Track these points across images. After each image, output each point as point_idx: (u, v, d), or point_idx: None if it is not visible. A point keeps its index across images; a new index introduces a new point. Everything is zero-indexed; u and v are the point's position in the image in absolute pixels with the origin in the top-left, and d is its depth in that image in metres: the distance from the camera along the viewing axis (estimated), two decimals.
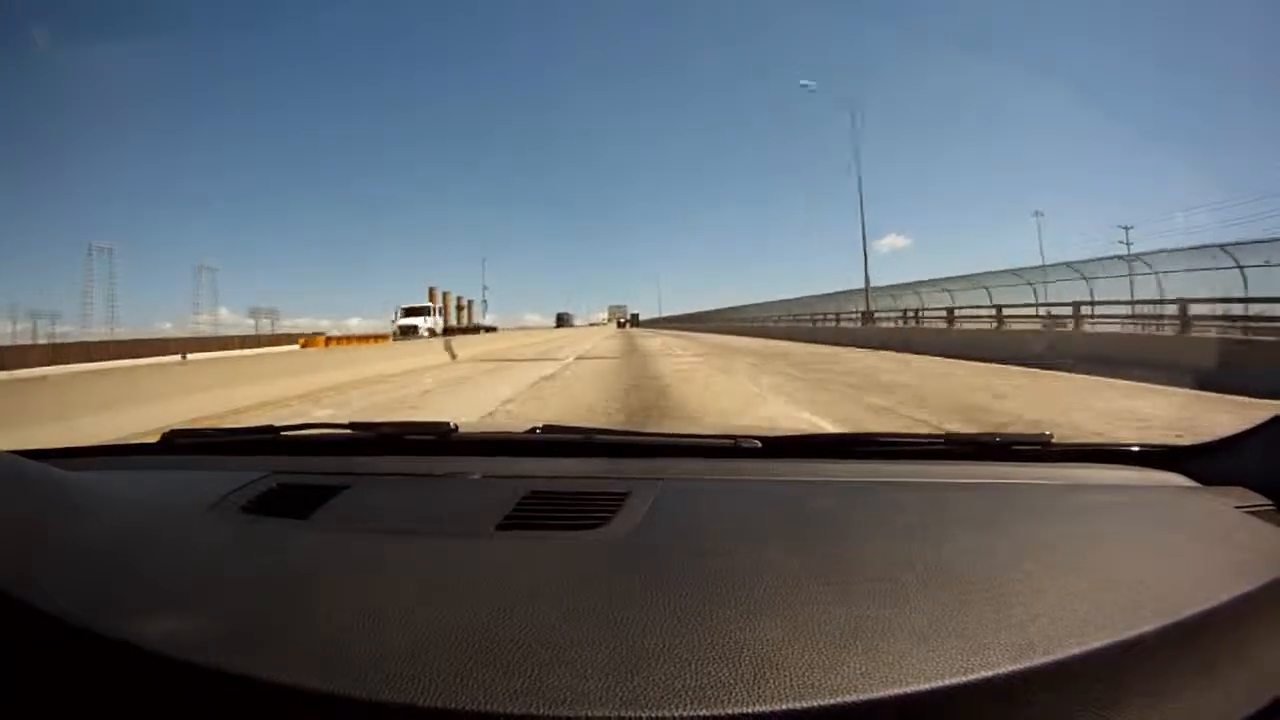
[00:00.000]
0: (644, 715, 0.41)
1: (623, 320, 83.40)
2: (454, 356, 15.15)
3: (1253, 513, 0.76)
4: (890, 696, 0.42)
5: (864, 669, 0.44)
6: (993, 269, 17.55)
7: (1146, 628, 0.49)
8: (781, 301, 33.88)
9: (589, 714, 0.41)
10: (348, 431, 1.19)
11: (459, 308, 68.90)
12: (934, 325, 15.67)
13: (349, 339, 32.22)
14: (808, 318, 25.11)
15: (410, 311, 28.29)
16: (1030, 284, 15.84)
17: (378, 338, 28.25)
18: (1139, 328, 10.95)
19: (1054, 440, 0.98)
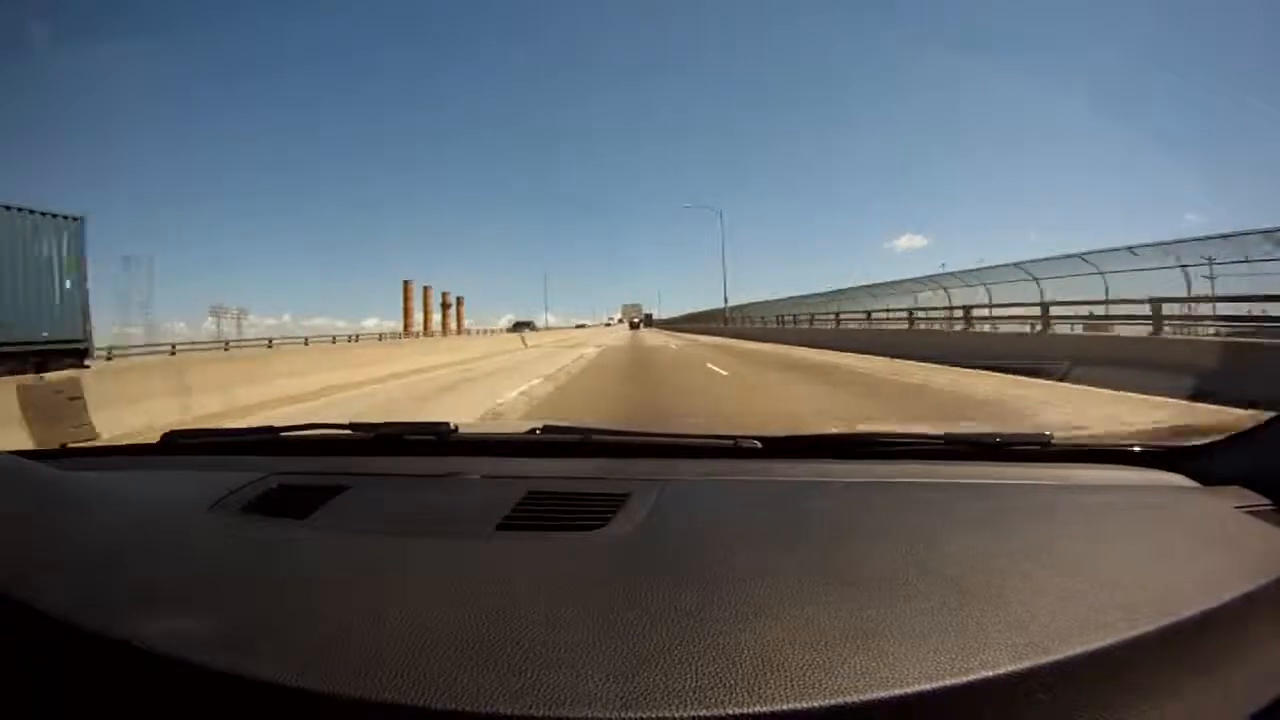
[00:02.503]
0: (644, 716, 0.41)
1: (636, 321, 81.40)
2: None
3: (1253, 513, 0.76)
4: (890, 697, 0.42)
5: (864, 669, 0.44)
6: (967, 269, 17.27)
7: (1146, 628, 0.49)
8: (780, 301, 32.97)
9: (589, 714, 0.41)
10: (347, 432, 1.19)
11: (444, 305, 61.85)
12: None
13: None
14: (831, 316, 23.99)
15: None
16: (985, 285, 15.78)
17: None
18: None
19: (1054, 440, 0.98)
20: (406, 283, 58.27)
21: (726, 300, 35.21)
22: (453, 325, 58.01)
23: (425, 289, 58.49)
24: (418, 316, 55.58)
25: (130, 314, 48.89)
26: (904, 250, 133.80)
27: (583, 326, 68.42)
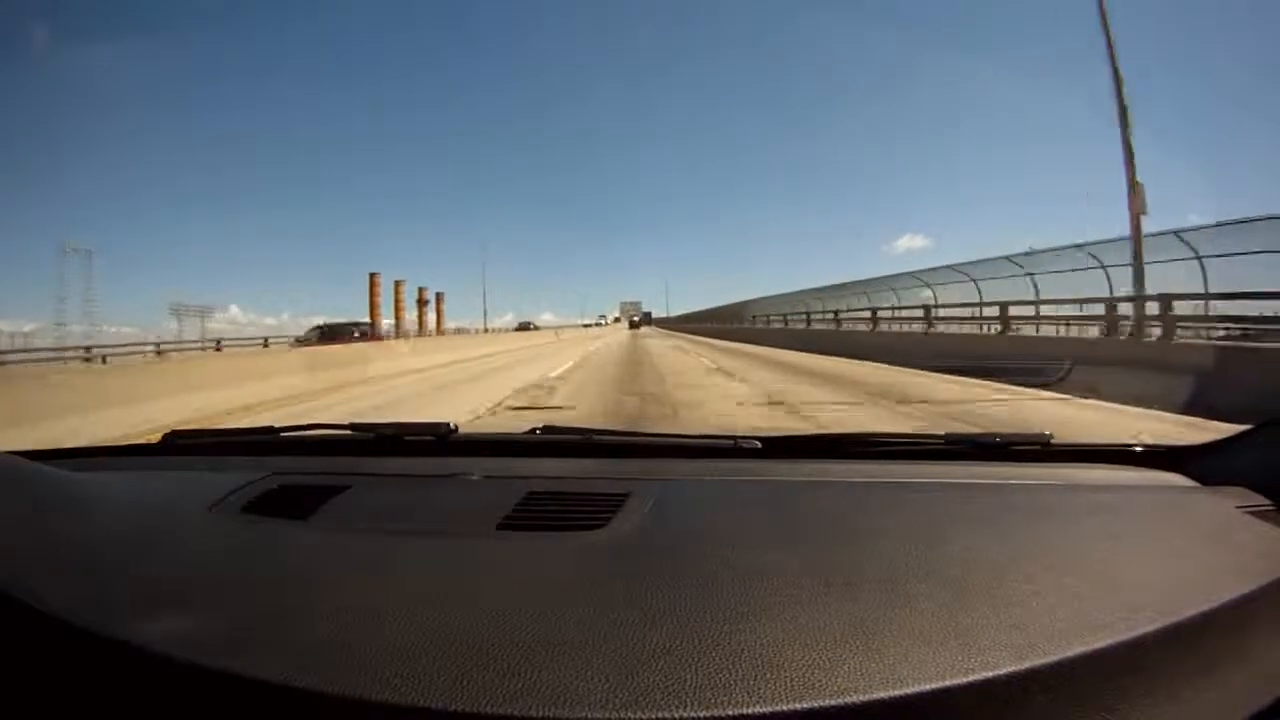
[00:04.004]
0: (644, 716, 0.41)
1: (636, 319, 73.95)
2: None
3: (1253, 513, 0.76)
4: (890, 697, 0.42)
5: (864, 669, 0.44)
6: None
7: (1146, 628, 0.49)
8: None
9: (589, 715, 0.41)
10: (347, 432, 1.19)
11: (420, 301, 52.41)
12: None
13: None
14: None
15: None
16: (1031, 275, 15.14)
17: None
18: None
19: (1054, 440, 0.98)
20: (373, 275, 49.27)
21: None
22: (432, 325, 50.40)
23: (396, 284, 50.83)
24: (411, 316, 49.41)
25: (68, 312, 43.37)
26: (904, 251, 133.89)
27: (522, 329, 41.66)
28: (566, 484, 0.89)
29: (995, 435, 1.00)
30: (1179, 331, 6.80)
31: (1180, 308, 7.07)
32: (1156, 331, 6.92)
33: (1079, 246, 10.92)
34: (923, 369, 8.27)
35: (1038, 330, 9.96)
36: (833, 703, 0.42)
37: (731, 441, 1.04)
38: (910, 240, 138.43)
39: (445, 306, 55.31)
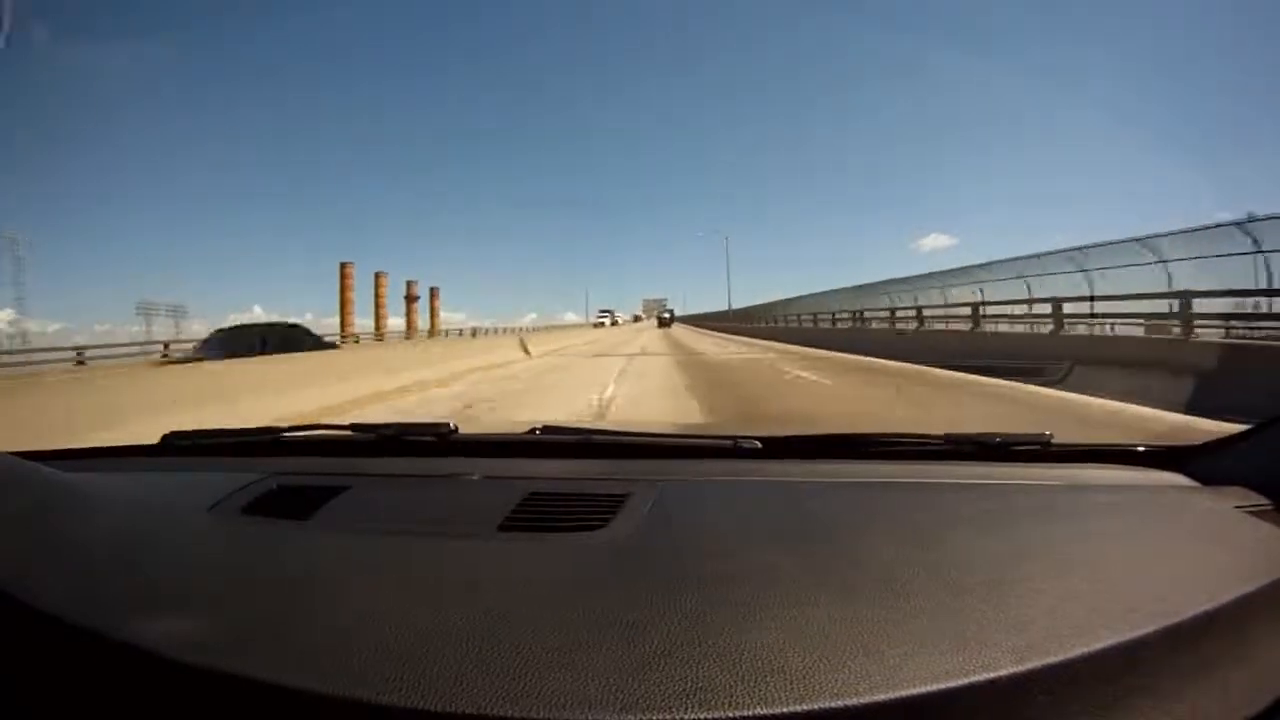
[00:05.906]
0: (645, 718, 0.41)
1: (664, 316, 65.82)
2: None
3: (1253, 513, 0.76)
4: (891, 699, 0.42)
5: (865, 671, 0.44)
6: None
7: (1147, 628, 0.49)
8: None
9: (589, 717, 0.41)
10: (347, 433, 1.19)
11: (409, 298, 42.40)
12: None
13: None
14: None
15: None
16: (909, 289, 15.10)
17: None
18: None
19: (1054, 440, 0.98)
20: (344, 265, 38.36)
21: None
22: (424, 325, 41.20)
23: (377, 276, 40.05)
24: (401, 318, 40.31)
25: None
26: (930, 250, 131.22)
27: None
28: (566, 484, 0.89)
29: (995, 435, 0.99)
30: None
31: None
32: None
33: (1239, 224, 7.16)
34: None
35: None
36: (834, 704, 0.42)
37: (731, 442, 1.04)
38: (935, 239, 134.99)
39: (434, 301, 45.24)
